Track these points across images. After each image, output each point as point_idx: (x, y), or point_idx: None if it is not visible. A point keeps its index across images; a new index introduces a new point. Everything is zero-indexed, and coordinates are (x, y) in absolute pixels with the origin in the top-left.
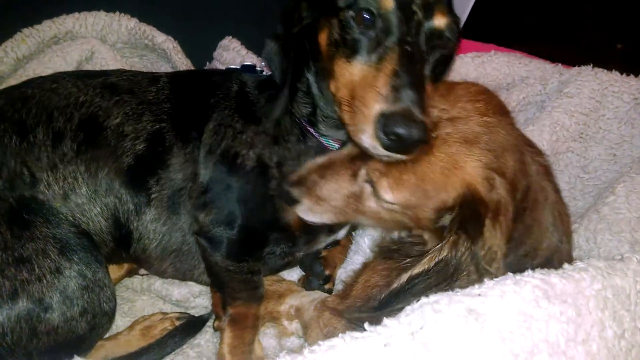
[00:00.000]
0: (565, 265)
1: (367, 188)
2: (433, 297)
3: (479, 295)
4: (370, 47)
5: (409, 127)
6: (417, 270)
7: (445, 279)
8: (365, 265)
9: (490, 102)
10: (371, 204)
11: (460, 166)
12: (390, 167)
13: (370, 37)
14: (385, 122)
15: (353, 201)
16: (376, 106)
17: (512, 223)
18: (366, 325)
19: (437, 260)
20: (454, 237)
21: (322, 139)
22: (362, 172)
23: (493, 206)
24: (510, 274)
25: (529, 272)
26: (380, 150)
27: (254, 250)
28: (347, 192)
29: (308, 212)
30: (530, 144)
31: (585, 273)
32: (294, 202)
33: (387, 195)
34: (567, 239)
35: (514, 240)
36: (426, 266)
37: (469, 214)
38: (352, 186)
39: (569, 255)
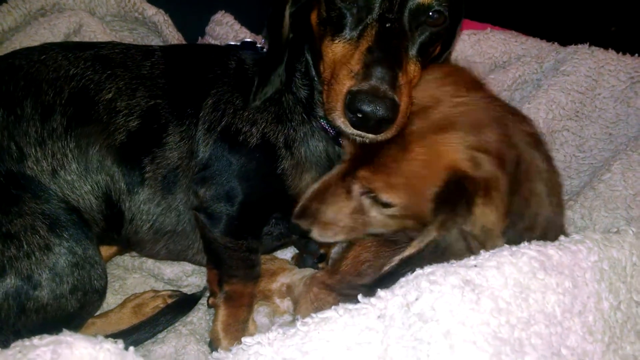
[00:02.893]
0: (562, 237)
1: (365, 201)
2: (428, 269)
3: (475, 266)
4: (352, 25)
5: (373, 104)
6: (407, 253)
7: (437, 258)
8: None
9: (459, 81)
10: (374, 214)
11: (440, 154)
12: (377, 174)
13: (353, 13)
14: (351, 99)
15: (358, 216)
16: (346, 83)
17: (509, 196)
18: (360, 297)
19: (426, 242)
20: (442, 217)
21: (323, 122)
22: (355, 187)
23: (483, 183)
24: (506, 245)
25: (525, 243)
26: (350, 129)
27: (253, 228)
28: (349, 210)
29: (322, 238)
30: (513, 112)
31: (582, 245)
32: (305, 234)
33: (384, 198)
34: (560, 211)
35: (513, 214)
36: (416, 248)
37: (455, 194)
38: (351, 203)
39: (562, 227)
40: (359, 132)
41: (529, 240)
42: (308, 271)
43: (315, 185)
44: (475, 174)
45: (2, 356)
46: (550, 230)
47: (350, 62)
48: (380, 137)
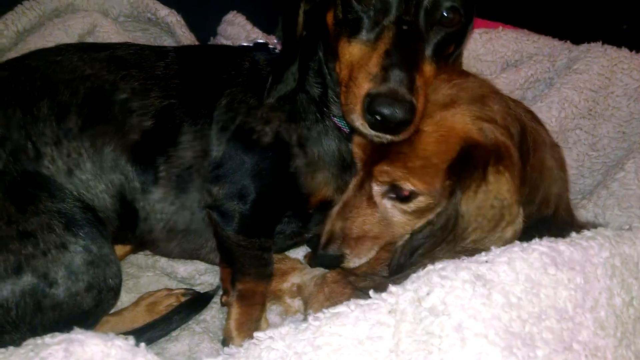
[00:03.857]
0: (573, 234)
1: (387, 204)
2: (439, 264)
3: (486, 261)
4: (369, 27)
5: (393, 107)
6: (420, 223)
7: (451, 230)
8: None
9: (452, 72)
10: (398, 214)
11: (451, 127)
12: (395, 163)
13: (369, 16)
14: (370, 102)
15: (384, 224)
16: (365, 86)
17: (521, 165)
18: (371, 292)
19: (437, 211)
20: (449, 185)
21: (337, 120)
22: (375, 189)
23: (494, 151)
24: (517, 241)
25: (536, 239)
26: (368, 130)
27: (266, 227)
28: (375, 219)
29: (356, 259)
30: (502, 92)
31: (594, 241)
32: (338, 261)
33: (407, 186)
34: (567, 187)
35: (528, 185)
36: (427, 219)
37: (467, 163)
38: (374, 210)
39: (569, 204)
40: (378, 134)
41: (547, 215)
42: (318, 271)
43: (336, 208)
44: (486, 142)
45: (15, 355)
46: (561, 206)
47: (369, 65)
48: (398, 137)
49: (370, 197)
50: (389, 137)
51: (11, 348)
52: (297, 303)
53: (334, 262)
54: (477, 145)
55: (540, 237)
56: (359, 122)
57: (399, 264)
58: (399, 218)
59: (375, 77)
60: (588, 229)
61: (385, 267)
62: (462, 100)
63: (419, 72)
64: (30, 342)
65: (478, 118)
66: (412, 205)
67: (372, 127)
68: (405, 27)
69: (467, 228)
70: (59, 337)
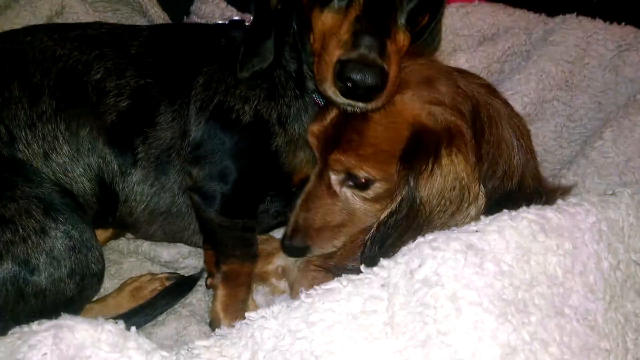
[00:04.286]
0: (560, 201)
1: (347, 192)
2: (430, 236)
3: (476, 231)
4: None
5: (362, 72)
6: (383, 215)
7: (415, 217)
8: None
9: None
10: (358, 202)
11: (399, 113)
12: (347, 152)
13: None
14: (341, 68)
15: (346, 212)
16: (335, 53)
17: (476, 143)
18: (362, 267)
19: (398, 200)
20: (404, 173)
21: (314, 96)
22: (333, 178)
23: (445, 133)
24: (505, 210)
25: (524, 207)
26: (340, 98)
27: (248, 207)
28: (337, 208)
29: (321, 249)
30: (459, 70)
31: (580, 207)
32: (303, 252)
33: (361, 174)
34: (532, 155)
35: (487, 161)
36: (390, 209)
37: (418, 149)
38: (335, 200)
39: (538, 172)
40: (349, 101)
41: (510, 187)
42: None
43: (299, 200)
44: (435, 126)
45: (1, 344)
46: (527, 175)
47: (339, 32)
48: (371, 105)
49: (330, 187)
50: (361, 104)
51: None
52: (282, 284)
53: (300, 253)
54: (426, 130)
55: (509, 210)
56: (331, 91)
57: (370, 255)
58: (360, 205)
59: (345, 43)
60: (557, 193)
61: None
62: (409, 84)
63: (390, 38)
64: (16, 331)
65: (426, 102)
66: (370, 192)
67: (343, 94)
68: None
69: (432, 212)
70: (47, 323)
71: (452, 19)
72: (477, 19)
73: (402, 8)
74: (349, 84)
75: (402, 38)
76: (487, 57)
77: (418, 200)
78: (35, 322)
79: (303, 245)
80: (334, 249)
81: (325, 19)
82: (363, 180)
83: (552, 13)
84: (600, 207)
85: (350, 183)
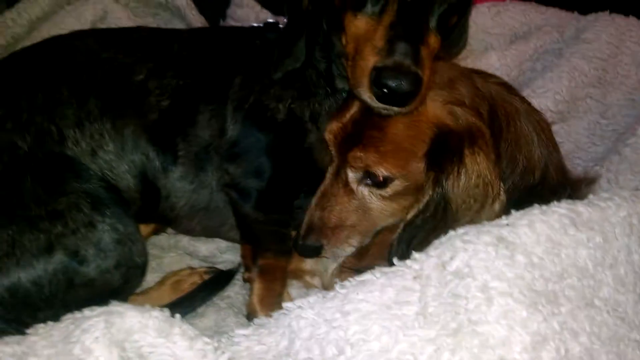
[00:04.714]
0: (590, 195)
1: (364, 191)
2: (461, 230)
3: (507, 225)
4: (374, 0)
5: (399, 79)
6: (410, 215)
7: (442, 218)
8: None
9: None
10: (375, 201)
11: (421, 112)
12: (368, 148)
13: None
14: (377, 75)
15: (362, 211)
16: (371, 59)
17: (495, 142)
18: (395, 260)
19: (425, 201)
20: (433, 175)
21: (343, 94)
22: (350, 175)
23: (466, 134)
24: (536, 204)
25: (555, 202)
26: (376, 103)
27: (283, 202)
28: (352, 207)
29: (334, 249)
30: (476, 71)
31: (611, 202)
32: (317, 252)
33: (381, 171)
34: (554, 148)
35: (505, 158)
36: (416, 210)
37: (443, 149)
38: (351, 198)
39: (561, 164)
40: (385, 106)
41: (532, 181)
42: None
43: (314, 199)
44: (458, 127)
45: (56, 329)
46: (550, 169)
47: (374, 38)
48: (405, 109)
49: (346, 185)
50: (396, 109)
51: (51, 323)
52: (317, 281)
53: (314, 253)
54: (450, 131)
55: (531, 204)
56: (367, 95)
57: (398, 255)
58: (376, 204)
59: (380, 50)
60: (582, 184)
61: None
62: (432, 85)
63: (424, 44)
64: (69, 317)
65: (447, 102)
66: (388, 190)
67: (379, 99)
68: (409, 0)
69: (458, 211)
70: (98, 309)
71: (483, 18)
72: (508, 17)
73: (434, 12)
74: (385, 90)
75: (433, 41)
76: (518, 55)
77: (446, 200)
78: (87, 309)
79: (317, 244)
80: (349, 250)
81: (358, 24)
82: (381, 178)
83: (584, 11)
84: (631, 202)
85: (368, 181)
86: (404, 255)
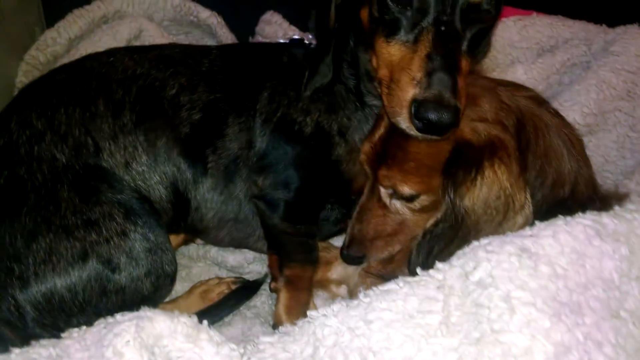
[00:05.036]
0: (616, 207)
1: (397, 204)
2: (484, 240)
3: (531, 235)
4: (407, 28)
5: (439, 112)
6: (429, 223)
7: (461, 226)
8: None
9: None
10: (407, 215)
11: None
12: (392, 167)
13: (407, 17)
14: (417, 107)
15: (398, 222)
16: (410, 91)
17: (521, 155)
18: (418, 270)
19: (443, 209)
20: (449, 185)
21: (375, 110)
22: (383, 192)
23: (487, 146)
24: (560, 216)
25: (579, 214)
26: (415, 132)
27: (310, 213)
28: (387, 220)
29: (376, 257)
30: (504, 83)
31: (637, 213)
32: (360, 260)
33: (405, 190)
34: (584, 162)
35: (534, 170)
36: (436, 218)
37: (460, 161)
38: (386, 211)
39: (592, 179)
40: (424, 136)
41: (562, 194)
42: None
43: (355, 213)
44: (478, 140)
45: (89, 332)
46: (580, 183)
47: (411, 68)
48: (444, 137)
49: (380, 199)
50: (434, 137)
51: (84, 327)
52: (342, 291)
53: (357, 261)
54: (467, 144)
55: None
56: (405, 125)
57: (417, 263)
58: (409, 216)
59: (420, 83)
60: (612, 200)
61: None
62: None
63: (459, 72)
64: (102, 321)
65: (470, 119)
66: (417, 204)
67: (419, 130)
68: (443, 28)
69: (479, 221)
70: (129, 314)
71: (509, 32)
72: (535, 31)
73: (465, 36)
74: (425, 122)
75: (465, 65)
76: (545, 69)
77: (462, 210)
78: (119, 314)
79: (360, 254)
80: (390, 255)
81: (392, 51)
82: (407, 195)
83: (612, 24)
84: None
85: (397, 193)
86: (424, 264)
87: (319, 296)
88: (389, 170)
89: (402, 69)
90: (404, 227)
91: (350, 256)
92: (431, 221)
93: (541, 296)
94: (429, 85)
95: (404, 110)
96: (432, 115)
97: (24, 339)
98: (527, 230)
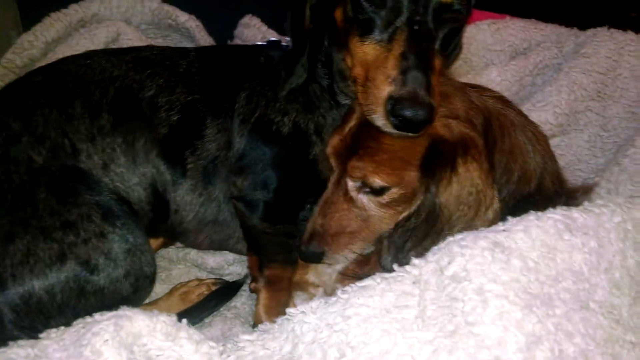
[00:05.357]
0: (586, 203)
1: (363, 198)
2: (459, 236)
3: (504, 230)
4: (381, 27)
5: (415, 109)
6: (402, 216)
7: (434, 222)
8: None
9: None
10: (374, 208)
11: None
12: (364, 158)
13: (381, 16)
14: (393, 105)
15: (362, 218)
16: (385, 89)
17: (489, 153)
18: (395, 266)
19: (416, 204)
20: (426, 181)
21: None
22: (350, 185)
23: (460, 144)
24: (532, 211)
25: (550, 209)
26: (391, 129)
27: (289, 213)
28: (352, 214)
29: (335, 255)
30: (471, 86)
31: (605, 208)
32: (319, 257)
33: (376, 181)
34: (550, 158)
35: (500, 168)
36: (409, 212)
37: (437, 158)
38: (351, 206)
39: (558, 174)
40: (399, 132)
41: (528, 190)
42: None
43: (317, 206)
44: (451, 137)
45: (67, 333)
46: (546, 178)
47: (386, 67)
48: (419, 134)
49: (346, 193)
50: (410, 134)
51: (62, 327)
52: (320, 292)
53: (316, 258)
54: (443, 141)
55: (526, 212)
56: (381, 122)
57: (390, 257)
58: (376, 212)
59: (395, 81)
60: (578, 193)
61: None
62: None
63: (433, 70)
64: (80, 322)
65: (443, 115)
66: (386, 198)
67: (395, 127)
68: (416, 27)
69: (452, 217)
70: (108, 314)
71: (483, 35)
72: (508, 34)
73: (438, 35)
74: (401, 119)
75: (438, 63)
76: (519, 70)
77: (437, 206)
78: (98, 313)
79: (319, 250)
80: (350, 256)
81: (367, 50)
82: (378, 186)
83: (583, 27)
84: (625, 208)
85: (366, 189)
86: (394, 258)
87: (299, 296)
88: (360, 161)
89: (377, 67)
90: (368, 223)
91: (309, 252)
92: (404, 214)
93: (513, 289)
94: (404, 83)
95: (380, 107)
96: (408, 112)
97: (2, 342)
98: (500, 225)
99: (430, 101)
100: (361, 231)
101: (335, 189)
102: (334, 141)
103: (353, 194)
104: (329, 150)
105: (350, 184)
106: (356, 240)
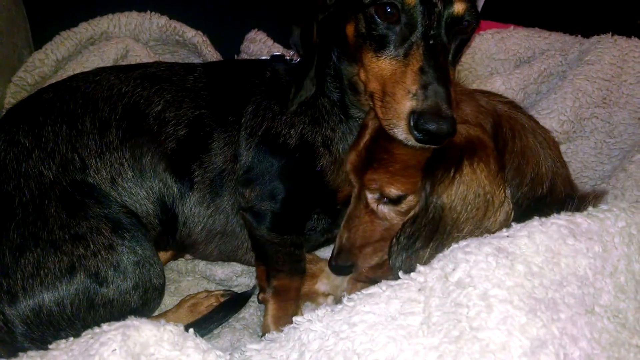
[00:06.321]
0: (590, 208)
1: (384, 209)
2: (463, 242)
3: (507, 236)
4: (396, 43)
5: (438, 123)
6: (409, 216)
7: (439, 222)
8: None
9: None
10: (394, 217)
11: None
12: (378, 170)
13: (396, 32)
14: (416, 119)
15: (385, 228)
16: (407, 104)
17: (498, 153)
18: (400, 273)
19: (420, 206)
20: (427, 182)
21: (358, 120)
22: (370, 198)
23: (466, 146)
24: (536, 217)
25: (554, 214)
26: (413, 143)
27: (297, 224)
28: (375, 225)
29: (366, 264)
30: (481, 91)
31: (609, 213)
32: (350, 269)
33: (392, 191)
34: (561, 163)
35: (512, 169)
36: (414, 212)
37: (440, 159)
38: (373, 217)
39: (569, 178)
40: (422, 145)
41: (541, 191)
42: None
43: (343, 222)
44: (458, 140)
45: (76, 344)
46: (558, 181)
47: (405, 82)
48: (440, 145)
49: (367, 206)
50: (433, 147)
51: (71, 339)
52: (330, 301)
53: (346, 271)
54: (451, 145)
55: (540, 214)
56: (403, 137)
57: (399, 260)
58: (396, 220)
59: (416, 95)
60: (589, 198)
61: None
62: None
63: (450, 83)
64: (88, 332)
65: None
66: (404, 206)
67: (418, 140)
68: (431, 42)
69: (459, 218)
70: (116, 324)
71: (487, 44)
72: (512, 43)
73: (451, 48)
74: (424, 132)
75: (452, 74)
76: (523, 79)
77: (439, 206)
78: (105, 324)
79: (348, 263)
80: (380, 261)
81: (382, 65)
82: (394, 196)
83: (587, 35)
84: (629, 212)
85: (385, 200)
86: (405, 262)
87: (307, 307)
88: (375, 174)
89: (395, 82)
90: (391, 232)
91: (339, 266)
92: (409, 215)
93: (517, 294)
94: (426, 97)
95: (402, 122)
96: (432, 126)
97: (13, 354)
98: (504, 232)
99: (452, 114)
100: (385, 240)
101: (357, 203)
102: (352, 157)
103: (373, 205)
104: (348, 167)
105: (370, 196)
106: (382, 248)
